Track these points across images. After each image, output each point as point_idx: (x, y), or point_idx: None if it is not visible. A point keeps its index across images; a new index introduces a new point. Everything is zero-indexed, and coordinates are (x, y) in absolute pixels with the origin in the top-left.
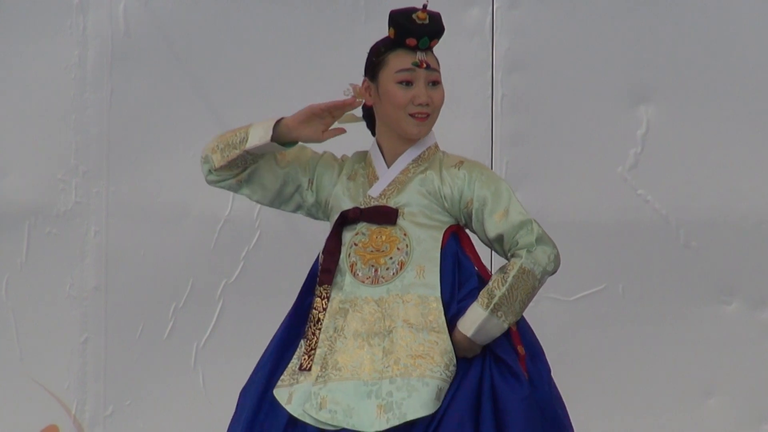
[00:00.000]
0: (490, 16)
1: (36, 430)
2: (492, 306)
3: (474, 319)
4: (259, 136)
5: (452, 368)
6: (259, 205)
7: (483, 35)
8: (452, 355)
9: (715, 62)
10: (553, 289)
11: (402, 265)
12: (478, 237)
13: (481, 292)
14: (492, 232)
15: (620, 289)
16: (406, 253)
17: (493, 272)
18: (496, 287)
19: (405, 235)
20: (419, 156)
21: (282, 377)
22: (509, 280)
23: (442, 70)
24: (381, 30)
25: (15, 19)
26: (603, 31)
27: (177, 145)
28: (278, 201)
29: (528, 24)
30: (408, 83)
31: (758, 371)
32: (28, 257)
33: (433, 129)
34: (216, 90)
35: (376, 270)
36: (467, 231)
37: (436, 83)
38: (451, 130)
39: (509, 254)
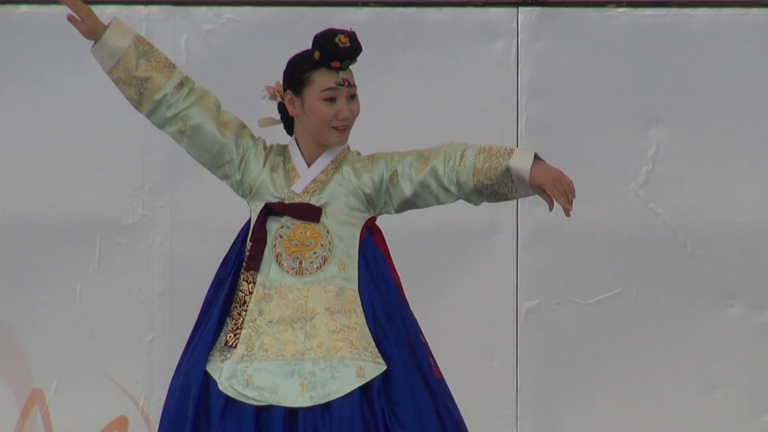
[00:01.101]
0: (515, 48)
1: (107, 420)
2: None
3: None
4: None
5: (371, 350)
6: None
7: (508, 65)
8: (370, 339)
9: (716, 89)
10: (573, 294)
11: (325, 260)
12: (403, 197)
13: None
14: (424, 172)
15: (634, 294)
16: (329, 250)
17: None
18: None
19: (327, 232)
20: (336, 158)
21: (212, 353)
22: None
23: (470, 97)
24: (418, 60)
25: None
26: (617, 61)
27: None
28: (210, 164)
29: (549, 54)
30: (332, 100)
31: (759, 367)
32: (99, 265)
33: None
34: (268, 114)
35: (300, 262)
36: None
37: (353, 96)
38: None
39: (458, 166)
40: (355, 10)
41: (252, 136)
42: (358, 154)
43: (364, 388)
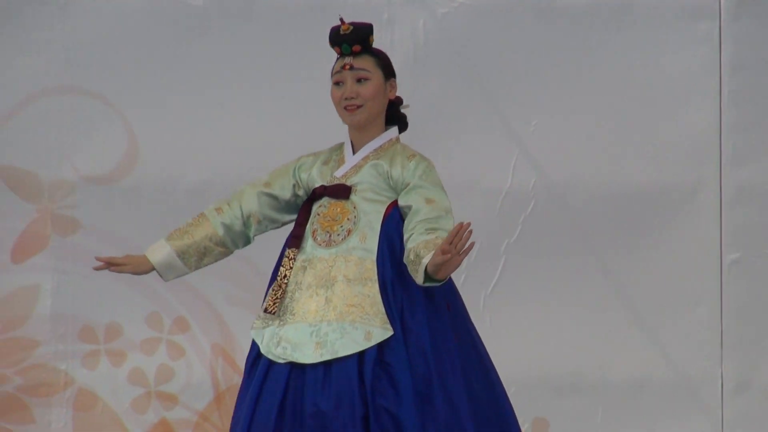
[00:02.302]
0: (718, 28)
1: None
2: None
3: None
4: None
5: (380, 316)
6: (533, 179)
7: (712, 42)
8: (381, 306)
9: None
10: None
11: (349, 232)
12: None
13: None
14: (413, 204)
15: None
16: (354, 223)
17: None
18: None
19: (354, 207)
20: (380, 146)
21: (255, 322)
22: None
23: (676, 73)
24: (631, 39)
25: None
26: None
27: (464, 135)
28: (295, 206)
29: (749, 32)
30: (339, 83)
31: None
32: None
33: (389, 125)
34: (497, 89)
35: (330, 235)
36: None
37: (364, 80)
38: (685, 121)
39: (427, 229)
40: None
41: (293, 164)
42: (402, 146)
43: (368, 352)
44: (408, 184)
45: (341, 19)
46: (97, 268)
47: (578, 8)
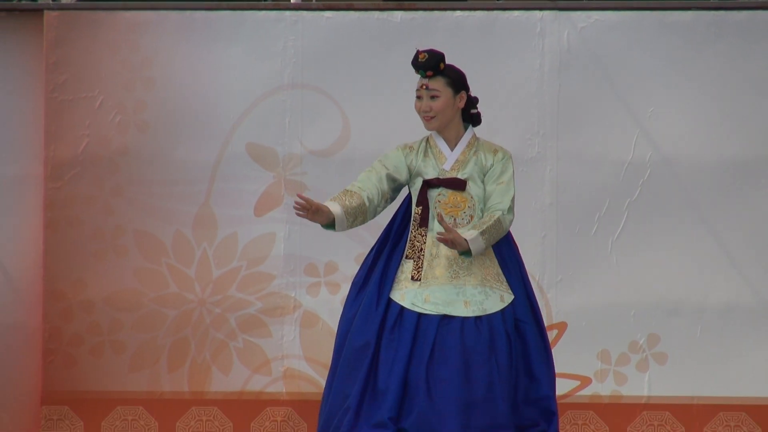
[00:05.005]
0: None
1: None
2: (481, 231)
3: (472, 234)
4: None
5: (505, 284)
6: (650, 152)
7: None
8: (502, 276)
9: None
10: None
11: (471, 217)
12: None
13: (476, 223)
14: (488, 189)
15: None
16: (473, 210)
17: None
18: (485, 222)
19: (471, 197)
20: (468, 142)
21: (393, 286)
22: (492, 221)
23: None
24: (725, 48)
25: (500, 42)
26: None
27: (597, 119)
28: (398, 191)
29: None
30: (419, 98)
31: None
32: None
33: (467, 124)
34: (623, 84)
35: (455, 219)
36: None
37: (436, 97)
38: None
39: (488, 209)
40: (679, 13)
41: (400, 153)
42: (482, 140)
43: (506, 310)
44: (491, 168)
45: (418, 51)
46: (296, 204)
47: (685, 21)
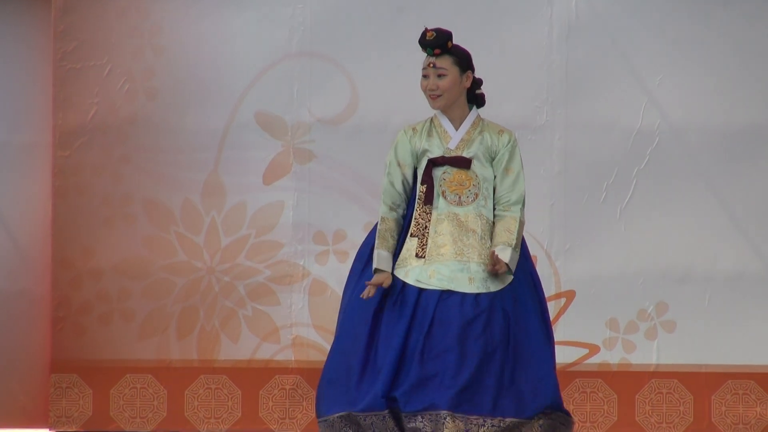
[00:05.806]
0: None
1: None
2: (514, 245)
3: (509, 254)
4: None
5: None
6: (658, 120)
7: None
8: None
9: None
10: None
11: (476, 195)
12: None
13: (505, 239)
14: (497, 174)
15: None
16: (478, 188)
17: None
18: (511, 231)
19: (476, 176)
20: (473, 122)
21: (398, 263)
22: (517, 229)
23: None
24: None
25: (508, 10)
26: None
27: (606, 87)
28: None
29: None
30: (426, 76)
31: None
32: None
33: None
34: (631, 53)
35: (459, 197)
36: None
37: (442, 75)
38: None
39: (499, 203)
40: None
41: (405, 138)
42: (486, 121)
43: (506, 288)
44: (498, 153)
45: (426, 29)
46: (366, 294)
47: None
